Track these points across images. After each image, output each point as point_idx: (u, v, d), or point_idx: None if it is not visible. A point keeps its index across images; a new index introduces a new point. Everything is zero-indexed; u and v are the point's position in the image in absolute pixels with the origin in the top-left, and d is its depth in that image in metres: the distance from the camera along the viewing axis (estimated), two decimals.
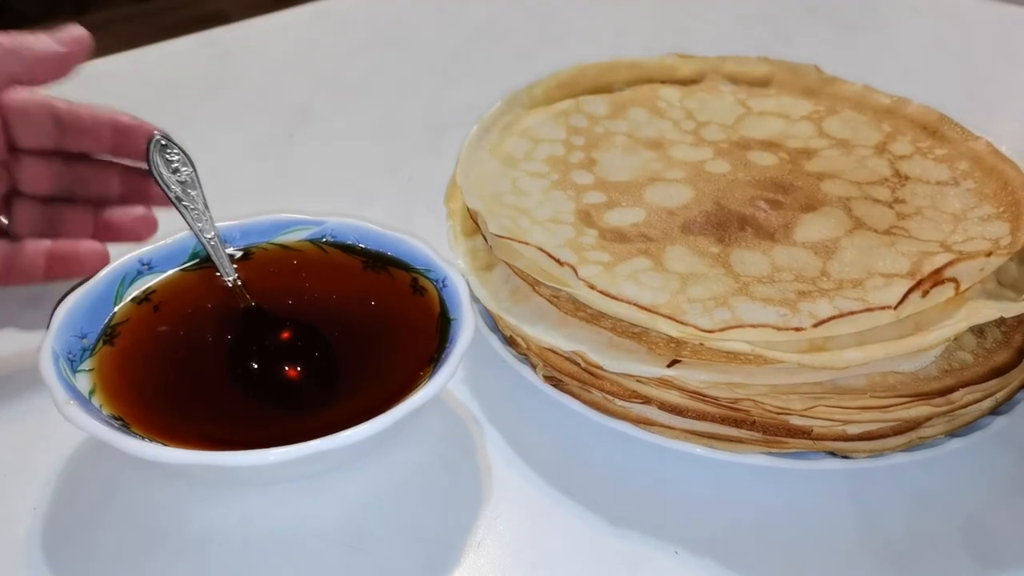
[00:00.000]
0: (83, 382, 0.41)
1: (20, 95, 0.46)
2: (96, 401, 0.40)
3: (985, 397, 0.42)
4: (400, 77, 0.86)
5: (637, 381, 0.42)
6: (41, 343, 0.41)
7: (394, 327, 0.46)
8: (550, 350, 0.44)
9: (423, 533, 0.41)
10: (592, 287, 0.42)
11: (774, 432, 0.41)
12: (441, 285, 0.47)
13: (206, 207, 0.48)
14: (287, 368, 0.44)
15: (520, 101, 0.57)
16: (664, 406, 0.42)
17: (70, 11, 2.47)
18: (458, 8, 1.02)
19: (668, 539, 0.41)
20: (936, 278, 0.40)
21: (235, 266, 0.48)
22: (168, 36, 0.92)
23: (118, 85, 0.83)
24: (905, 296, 0.40)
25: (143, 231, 0.50)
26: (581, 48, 0.87)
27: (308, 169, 0.71)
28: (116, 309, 0.45)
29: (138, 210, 0.51)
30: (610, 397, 0.44)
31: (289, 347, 0.45)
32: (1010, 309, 0.41)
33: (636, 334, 0.42)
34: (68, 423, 0.38)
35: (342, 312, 0.47)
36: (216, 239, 0.47)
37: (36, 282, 0.48)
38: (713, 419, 0.42)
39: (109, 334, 0.44)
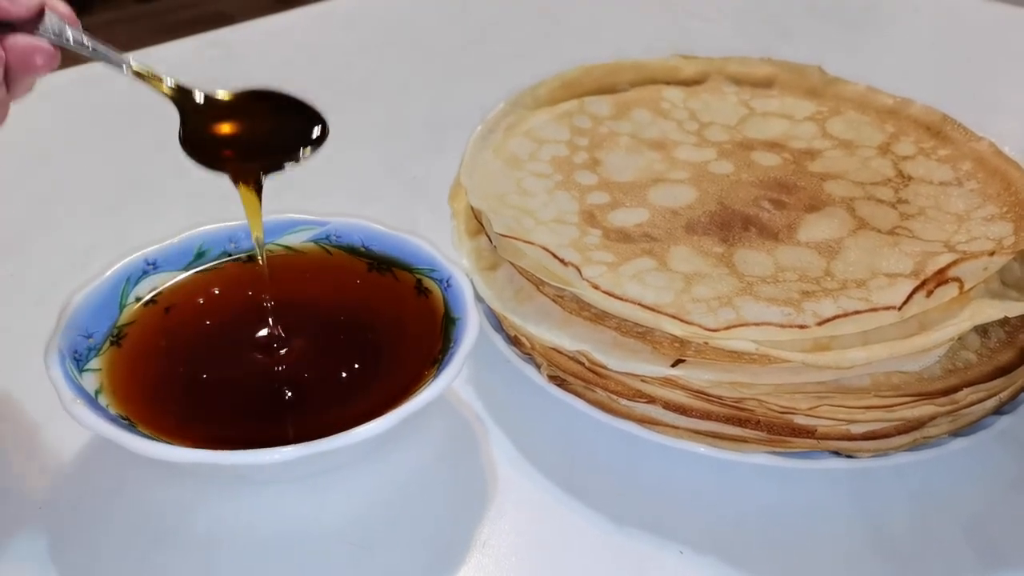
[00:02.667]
0: (89, 381, 0.41)
1: None
2: (102, 400, 0.40)
3: (989, 397, 0.42)
4: (403, 78, 0.86)
5: (641, 380, 0.42)
6: (47, 342, 0.41)
7: (399, 327, 0.46)
8: (554, 349, 0.44)
9: (428, 532, 0.41)
10: (596, 287, 0.42)
11: (778, 431, 0.42)
12: (445, 285, 0.47)
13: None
14: (293, 368, 0.45)
15: (524, 102, 0.57)
16: (668, 405, 0.42)
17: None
18: (461, 9, 1.02)
19: (673, 538, 0.41)
20: (940, 278, 0.40)
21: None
22: (170, 37, 0.93)
23: (122, 85, 0.83)
24: (909, 296, 0.40)
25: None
26: (584, 49, 0.87)
27: (311, 169, 0.70)
28: (122, 309, 0.45)
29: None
30: (614, 396, 0.44)
31: (295, 347, 0.45)
32: (1014, 309, 0.41)
33: (640, 334, 0.42)
34: (75, 422, 0.38)
35: (347, 313, 0.47)
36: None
37: None
38: (717, 418, 0.42)
39: (115, 334, 0.44)
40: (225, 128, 0.45)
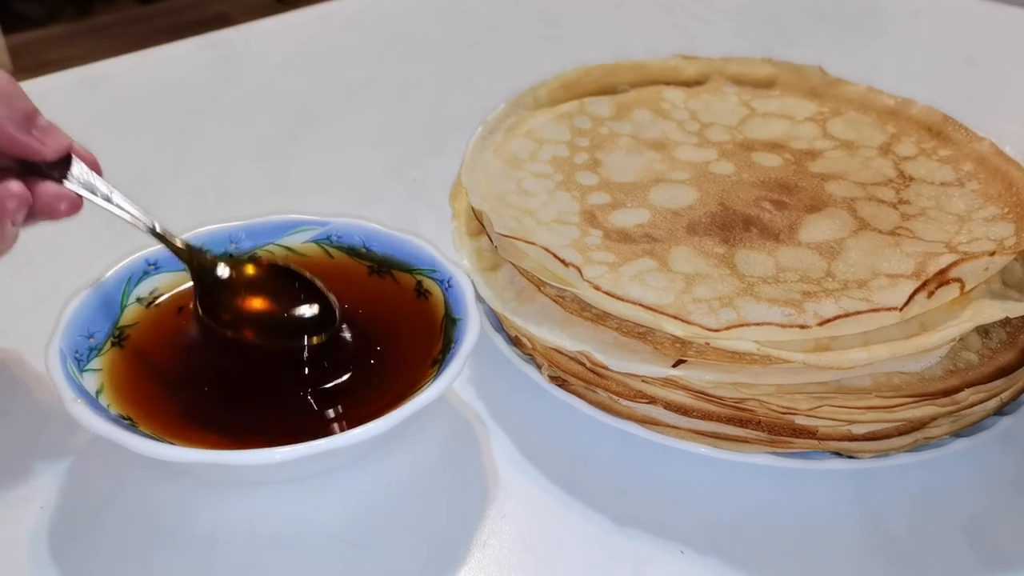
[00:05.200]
0: (90, 381, 0.41)
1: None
2: (103, 400, 0.40)
3: (990, 397, 0.42)
4: (403, 79, 0.86)
5: (642, 381, 0.42)
6: (48, 342, 0.41)
7: (399, 328, 0.46)
8: (555, 350, 0.44)
9: (428, 532, 0.41)
10: (597, 288, 0.42)
11: (779, 432, 0.41)
12: (446, 285, 0.47)
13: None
14: (293, 368, 0.44)
15: (524, 103, 0.57)
16: (669, 406, 0.42)
17: (72, 14, 2.48)
18: (461, 10, 1.02)
19: (673, 538, 0.41)
20: (941, 278, 0.40)
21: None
22: (171, 38, 0.93)
23: (121, 87, 0.83)
24: (911, 297, 0.40)
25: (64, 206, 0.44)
26: (584, 50, 0.87)
27: (312, 170, 0.71)
28: (123, 309, 0.45)
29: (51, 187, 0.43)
30: (615, 397, 0.44)
31: (295, 347, 0.45)
32: (1015, 309, 0.41)
33: (641, 334, 0.42)
34: (75, 422, 0.38)
35: (348, 313, 0.47)
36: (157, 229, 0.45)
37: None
38: (718, 419, 0.42)
39: (116, 334, 0.44)
40: (239, 301, 0.46)
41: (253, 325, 0.46)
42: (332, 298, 0.46)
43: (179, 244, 0.46)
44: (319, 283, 0.46)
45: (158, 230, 0.45)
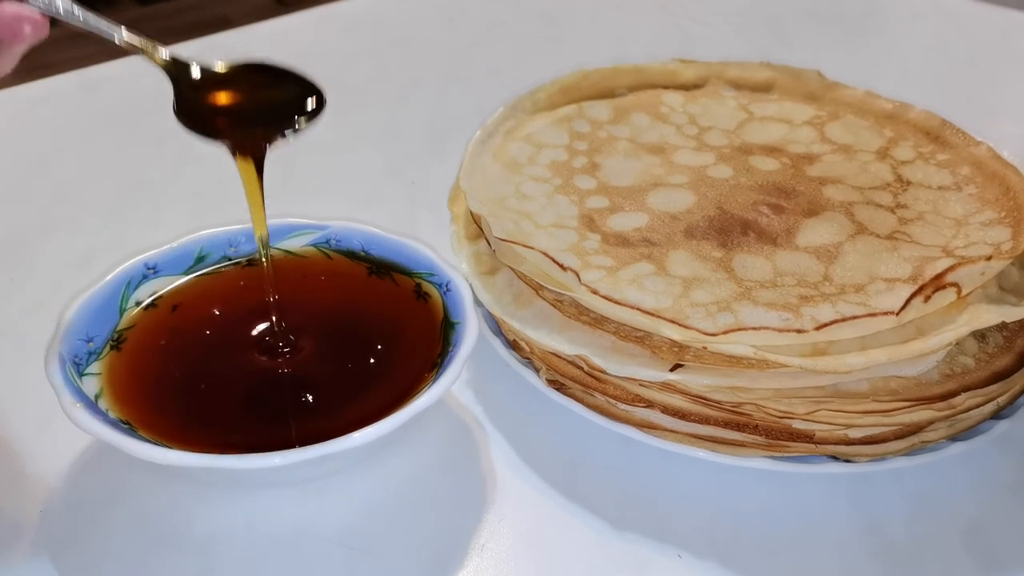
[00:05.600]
0: (90, 385, 0.41)
1: None
2: (103, 404, 0.40)
3: (987, 401, 0.42)
4: (402, 81, 0.86)
5: (640, 385, 0.43)
6: (48, 347, 0.41)
7: (398, 332, 0.46)
8: (553, 354, 0.45)
9: (426, 536, 0.41)
10: (595, 292, 0.42)
11: (776, 436, 0.42)
12: (444, 289, 0.47)
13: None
14: (292, 372, 0.45)
15: (523, 106, 0.57)
16: (667, 410, 0.43)
17: None
18: (460, 13, 1.02)
19: (671, 542, 0.41)
20: (938, 283, 0.41)
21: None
22: (172, 41, 0.93)
23: (121, 89, 0.83)
24: (907, 301, 0.40)
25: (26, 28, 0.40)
26: (583, 53, 0.87)
27: (311, 172, 0.71)
28: (122, 313, 0.45)
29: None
30: (613, 401, 0.44)
31: (294, 351, 0.45)
32: (1011, 314, 0.41)
33: (639, 338, 0.42)
34: (75, 426, 0.38)
35: (347, 317, 0.47)
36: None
37: None
38: (716, 423, 0.42)
39: (115, 338, 0.44)
40: (222, 99, 0.44)
41: (239, 118, 0.45)
42: (316, 83, 0.45)
43: (160, 56, 0.43)
44: (301, 72, 0.45)
45: (125, 36, 0.43)
